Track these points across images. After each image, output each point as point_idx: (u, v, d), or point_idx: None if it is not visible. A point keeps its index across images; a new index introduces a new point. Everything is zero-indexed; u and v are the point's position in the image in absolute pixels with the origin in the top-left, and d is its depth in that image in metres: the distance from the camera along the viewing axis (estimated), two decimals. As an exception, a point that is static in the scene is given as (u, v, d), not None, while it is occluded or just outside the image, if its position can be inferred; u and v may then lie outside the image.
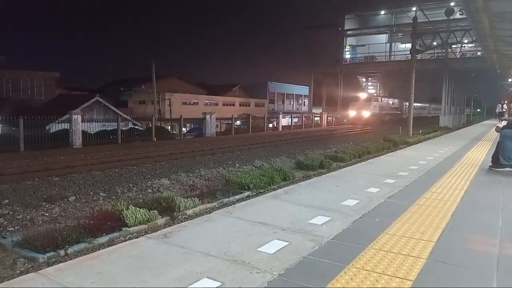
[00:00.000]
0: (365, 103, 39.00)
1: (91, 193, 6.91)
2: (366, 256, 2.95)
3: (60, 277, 2.60)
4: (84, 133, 16.52)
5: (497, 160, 7.10)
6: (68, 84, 39.24)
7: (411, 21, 22.65)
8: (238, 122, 30.17)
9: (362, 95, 40.51)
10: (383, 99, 44.00)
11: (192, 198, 5.59)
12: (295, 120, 37.58)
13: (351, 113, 39.32)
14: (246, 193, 6.51)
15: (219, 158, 11.71)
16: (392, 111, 46.32)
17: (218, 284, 2.50)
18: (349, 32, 45.73)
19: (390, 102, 47.26)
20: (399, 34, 45.28)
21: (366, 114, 38.01)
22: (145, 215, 4.67)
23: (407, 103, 49.75)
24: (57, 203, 6.08)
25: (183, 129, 24.05)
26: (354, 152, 11.61)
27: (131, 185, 7.66)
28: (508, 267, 2.83)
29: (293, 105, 60.01)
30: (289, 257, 2.93)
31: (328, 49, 44.23)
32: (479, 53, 33.62)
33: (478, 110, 74.95)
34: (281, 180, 7.62)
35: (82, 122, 16.48)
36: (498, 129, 7.69)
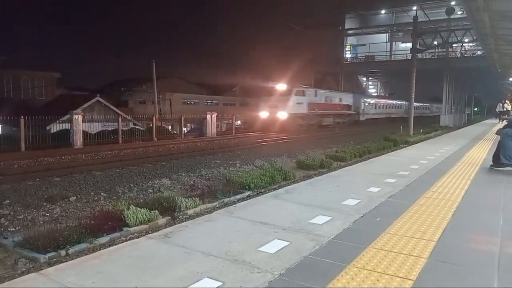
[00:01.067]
0: (281, 99, 25.05)
1: (92, 193, 6.92)
2: (367, 255, 2.95)
3: (61, 277, 2.60)
4: (84, 133, 16.53)
5: (498, 159, 7.10)
6: (69, 84, 39.32)
7: (412, 21, 22.66)
8: (238, 122, 30.12)
9: (280, 87, 25.87)
10: (318, 92, 28.97)
11: (193, 198, 5.60)
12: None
13: (263, 114, 25.43)
14: (247, 193, 6.52)
15: (220, 158, 11.71)
16: (339, 110, 32.47)
17: (219, 284, 2.50)
18: (349, 32, 45.69)
19: (336, 98, 32.47)
20: (400, 34, 45.20)
21: (282, 115, 24.56)
22: (146, 215, 4.68)
23: (368, 100, 38.24)
24: (58, 203, 6.08)
25: (184, 129, 24.04)
26: (355, 151, 11.61)
27: (132, 185, 7.67)
28: (509, 266, 2.83)
29: (293, 104, 59.74)
30: (290, 256, 2.93)
31: (328, 49, 44.06)
32: (479, 52, 33.61)
33: (476, 109, 70.55)
34: (281, 179, 7.62)
35: (82, 122, 16.49)
36: (499, 132, 7.70)
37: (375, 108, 40.06)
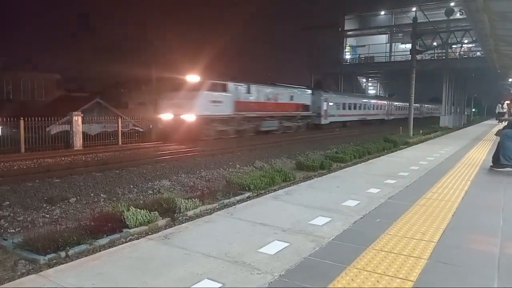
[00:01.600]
0: (187, 95, 17.98)
1: (92, 194, 6.91)
2: (367, 256, 2.95)
3: (61, 279, 2.60)
4: (84, 134, 16.53)
5: (498, 160, 7.11)
6: (69, 86, 39.26)
7: (411, 22, 22.67)
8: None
9: (191, 78, 18.61)
10: (252, 87, 21.47)
11: (193, 199, 5.59)
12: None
13: (165, 116, 18.33)
14: (247, 194, 6.51)
15: (220, 159, 11.70)
16: (290, 111, 24.90)
17: (219, 285, 2.50)
18: (349, 33, 45.81)
19: (285, 95, 24.41)
20: (399, 35, 45.31)
21: (188, 118, 17.47)
22: (145, 216, 4.67)
23: (332, 98, 29.97)
24: (58, 205, 6.08)
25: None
26: (355, 152, 11.60)
27: (131, 186, 7.66)
28: (509, 266, 2.83)
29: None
30: (290, 258, 2.93)
31: (328, 50, 44.08)
32: (478, 53, 33.68)
33: (474, 110, 65.31)
34: (281, 180, 7.61)
35: (82, 123, 16.48)
36: (498, 133, 7.72)
37: (343, 108, 32.31)
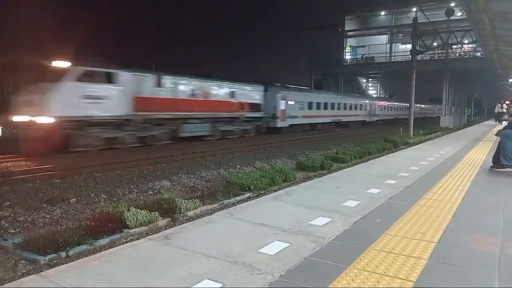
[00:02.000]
0: (44, 88, 12.03)
1: (92, 195, 6.92)
2: (367, 257, 2.95)
3: (61, 279, 2.61)
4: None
5: (498, 161, 7.11)
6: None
7: (412, 22, 22.67)
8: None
9: (55, 64, 12.65)
10: (166, 78, 16.20)
11: (193, 199, 5.60)
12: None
13: (18, 118, 12.27)
14: (247, 194, 6.51)
15: (220, 160, 11.70)
16: (231, 111, 19.64)
17: (219, 285, 2.50)
18: (349, 33, 45.83)
19: (223, 91, 19.24)
20: (400, 35, 45.33)
21: (44, 120, 11.69)
22: (146, 216, 4.68)
23: (293, 96, 24.76)
24: (58, 205, 6.08)
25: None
26: (355, 153, 11.60)
27: (132, 187, 7.66)
28: (509, 267, 2.83)
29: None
30: (290, 258, 2.93)
31: (328, 50, 44.09)
32: (479, 54, 33.69)
33: (472, 110, 63.66)
34: (282, 181, 7.62)
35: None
36: (498, 133, 7.73)
37: (309, 108, 26.79)
